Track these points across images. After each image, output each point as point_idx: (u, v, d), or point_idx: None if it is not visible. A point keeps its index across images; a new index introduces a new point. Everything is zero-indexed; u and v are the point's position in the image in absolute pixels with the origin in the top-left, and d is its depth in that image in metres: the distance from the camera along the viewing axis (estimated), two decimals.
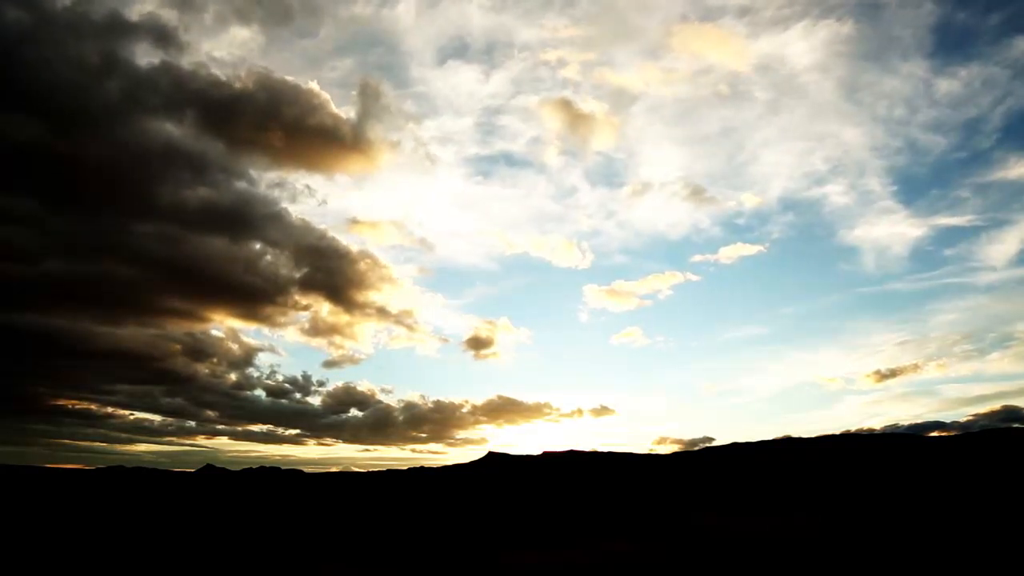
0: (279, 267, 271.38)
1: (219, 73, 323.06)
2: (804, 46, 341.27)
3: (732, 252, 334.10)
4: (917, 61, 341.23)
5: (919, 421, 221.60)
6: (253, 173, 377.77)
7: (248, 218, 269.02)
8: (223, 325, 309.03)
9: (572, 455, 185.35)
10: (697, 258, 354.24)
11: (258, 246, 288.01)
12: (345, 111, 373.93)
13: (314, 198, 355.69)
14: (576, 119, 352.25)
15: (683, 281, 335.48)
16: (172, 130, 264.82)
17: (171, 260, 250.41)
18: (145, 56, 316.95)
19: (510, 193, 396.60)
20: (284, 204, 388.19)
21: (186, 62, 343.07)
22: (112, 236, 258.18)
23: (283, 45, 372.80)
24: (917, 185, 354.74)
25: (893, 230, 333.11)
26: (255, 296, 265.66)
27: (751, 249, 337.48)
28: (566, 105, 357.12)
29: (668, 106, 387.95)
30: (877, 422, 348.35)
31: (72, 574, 24.12)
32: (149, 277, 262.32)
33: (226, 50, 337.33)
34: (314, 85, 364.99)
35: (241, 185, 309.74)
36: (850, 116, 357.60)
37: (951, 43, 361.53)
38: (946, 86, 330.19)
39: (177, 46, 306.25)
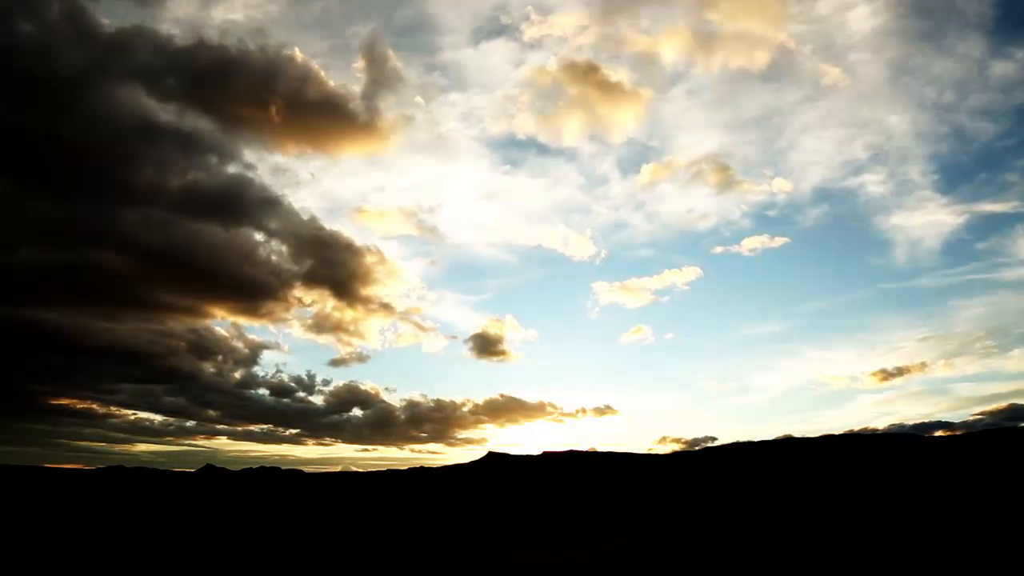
0: (281, 260, 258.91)
1: (210, 38, 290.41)
2: (865, 11, 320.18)
3: (756, 244, 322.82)
4: (975, 40, 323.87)
5: (928, 420, 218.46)
6: (251, 154, 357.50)
7: (244, 206, 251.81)
8: (225, 321, 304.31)
9: (571, 455, 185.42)
10: (719, 250, 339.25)
11: (258, 236, 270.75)
12: (357, 85, 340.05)
13: (319, 184, 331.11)
14: (606, 92, 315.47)
15: (701, 276, 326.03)
16: (155, 104, 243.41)
17: (164, 250, 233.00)
18: (120, 16, 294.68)
19: (537, 183, 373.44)
20: (285, 190, 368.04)
21: (169, 25, 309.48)
22: (95, 222, 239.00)
23: (288, 7, 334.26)
24: (959, 173, 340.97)
25: (929, 220, 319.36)
26: (257, 291, 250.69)
27: (777, 241, 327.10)
28: (595, 76, 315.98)
29: (707, 86, 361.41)
30: (887, 421, 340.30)
31: (72, 574, 24.16)
32: (141, 268, 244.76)
33: (224, 13, 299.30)
34: (316, 53, 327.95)
35: (237, 169, 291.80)
36: (896, 101, 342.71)
37: (1014, 19, 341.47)
38: (1001, 69, 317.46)
39: (159, 2, 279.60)
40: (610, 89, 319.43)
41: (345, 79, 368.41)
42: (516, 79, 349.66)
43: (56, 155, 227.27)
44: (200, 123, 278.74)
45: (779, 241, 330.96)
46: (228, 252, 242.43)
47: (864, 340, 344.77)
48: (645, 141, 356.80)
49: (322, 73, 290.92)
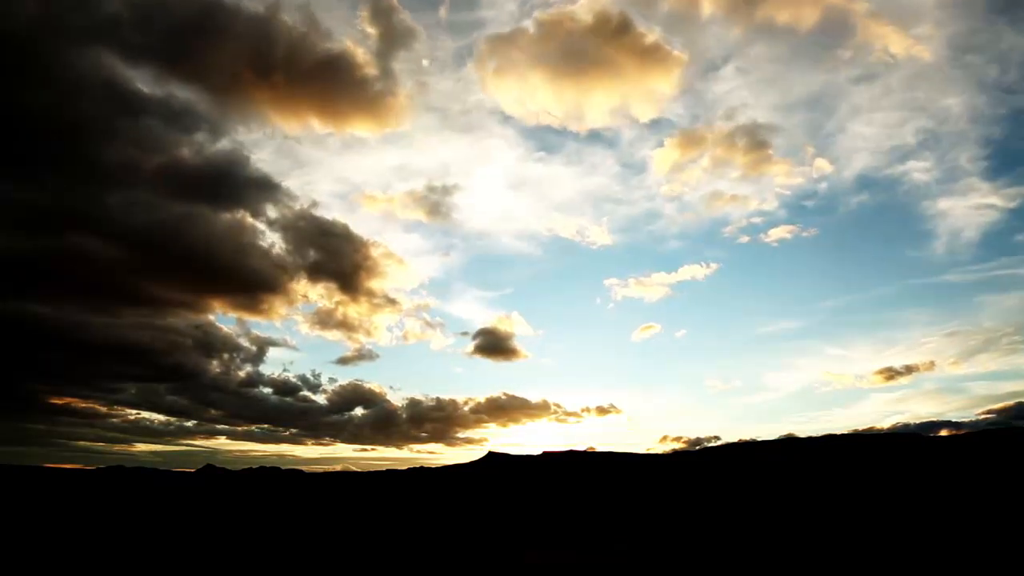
0: (283, 252, 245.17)
1: None
2: None
3: (784, 233, 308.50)
4: None
5: (937, 419, 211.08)
6: (245, 130, 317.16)
7: (239, 190, 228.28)
8: (229, 317, 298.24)
9: (570, 455, 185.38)
10: (744, 239, 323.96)
11: (258, 224, 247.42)
12: (364, 46, 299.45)
13: (323, 166, 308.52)
14: (640, 57, 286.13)
15: (720, 269, 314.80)
16: (126, 69, 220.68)
17: (153, 238, 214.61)
18: None
19: (571, 170, 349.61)
20: (286, 176, 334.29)
21: None
22: (72, 206, 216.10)
23: None
24: (1013, 157, 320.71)
25: (976, 204, 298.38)
26: (258, 284, 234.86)
27: (807, 232, 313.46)
28: (628, 36, 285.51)
29: (759, 65, 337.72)
30: (898, 420, 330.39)
31: (72, 574, 24.26)
32: (130, 257, 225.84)
33: None
34: (319, 6, 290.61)
35: (229, 146, 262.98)
36: (955, 81, 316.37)
37: None
38: None
39: None
40: (645, 53, 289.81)
41: (351, 36, 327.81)
42: (539, 34, 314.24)
43: (17, 129, 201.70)
44: (182, 92, 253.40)
45: (809, 232, 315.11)
46: (224, 242, 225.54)
47: (885, 337, 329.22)
48: (687, 125, 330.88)
49: (324, 28, 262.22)
